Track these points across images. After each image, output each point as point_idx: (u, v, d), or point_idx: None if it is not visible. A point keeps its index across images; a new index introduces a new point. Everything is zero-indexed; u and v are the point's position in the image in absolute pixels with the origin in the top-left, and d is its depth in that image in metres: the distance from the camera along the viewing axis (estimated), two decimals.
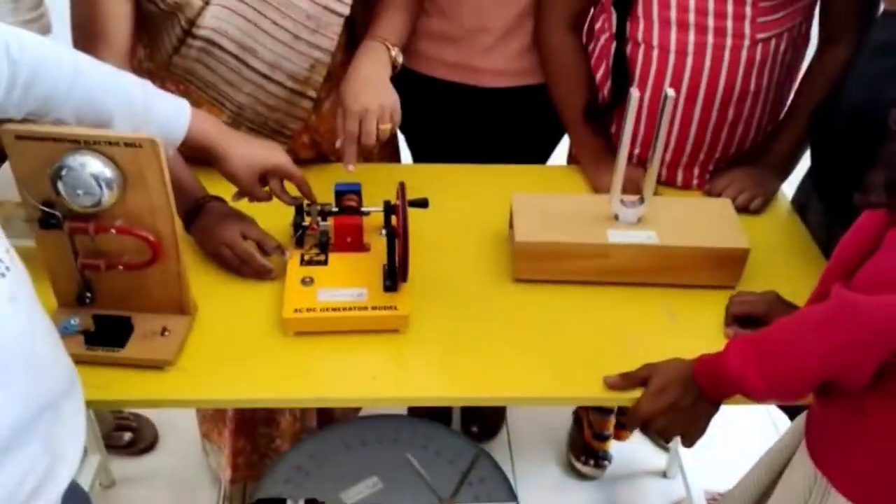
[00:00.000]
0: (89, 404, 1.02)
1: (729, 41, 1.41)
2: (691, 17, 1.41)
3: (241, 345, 1.20)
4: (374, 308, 1.22)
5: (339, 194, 1.35)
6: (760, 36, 1.41)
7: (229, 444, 1.70)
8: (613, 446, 2.04)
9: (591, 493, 2.02)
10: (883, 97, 1.15)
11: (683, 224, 1.35)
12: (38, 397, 0.87)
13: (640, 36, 1.46)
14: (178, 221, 1.15)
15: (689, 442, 1.14)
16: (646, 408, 1.11)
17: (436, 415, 1.88)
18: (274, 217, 1.35)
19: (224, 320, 1.24)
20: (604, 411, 1.95)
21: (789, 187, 1.60)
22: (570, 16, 1.56)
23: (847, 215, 1.03)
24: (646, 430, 1.14)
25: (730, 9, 1.39)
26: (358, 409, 1.77)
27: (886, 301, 0.86)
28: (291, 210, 1.34)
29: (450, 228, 1.46)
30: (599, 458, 2.02)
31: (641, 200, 1.34)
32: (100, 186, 1.06)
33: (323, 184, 1.37)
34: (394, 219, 1.24)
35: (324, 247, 1.33)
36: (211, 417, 1.80)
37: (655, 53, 1.45)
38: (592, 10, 1.59)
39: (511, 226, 1.37)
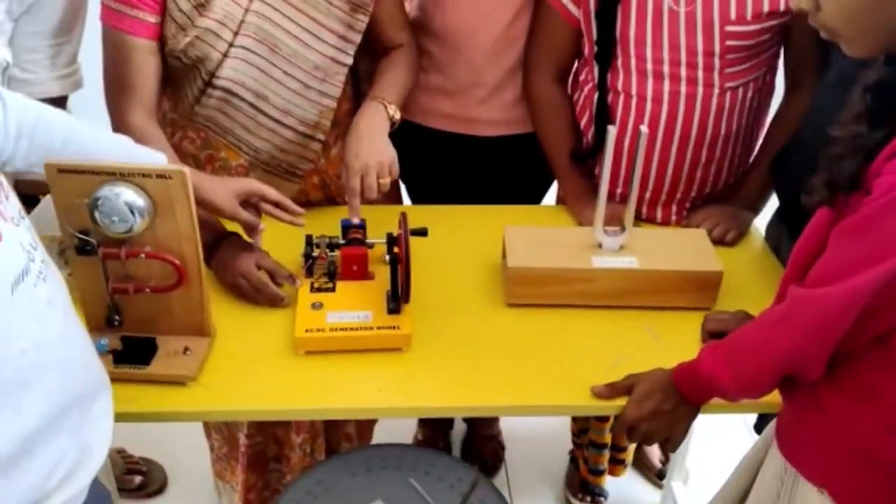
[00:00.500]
0: (118, 417, 1.08)
1: (700, 90, 1.53)
2: (666, 69, 1.52)
3: (257, 363, 1.29)
4: (378, 328, 1.30)
5: (346, 228, 1.45)
6: (729, 85, 1.53)
7: (242, 479, 1.74)
8: (609, 482, 2.08)
9: None
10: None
11: (662, 250, 1.44)
12: (67, 394, 0.94)
13: (619, 86, 1.58)
14: (200, 250, 1.24)
15: (672, 446, 1.21)
16: (631, 414, 1.18)
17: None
18: (286, 249, 1.46)
19: (241, 341, 1.32)
20: (598, 447, 2.00)
21: (762, 220, 1.70)
22: (555, 70, 1.68)
23: None
24: (632, 436, 1.22)
25: (700, 61, 1.50)
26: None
27: (831, 291, 0.93)
28: (302, 242, 1.44)
29: (448, 258, 1.55)
30: (595, 495, 2.06)
31: (623, 229, 1.44)
32: (133, 214, 1.15)
33: (332, 222, 1.48)
34: (395, 248, 1.34)
35: (332, 275, 1.41)
36: (224, 456, 1.83)
37: (634, 101, 1.57)
38: (577, 63, 1.71)
39: (504, 255, 1.46)
